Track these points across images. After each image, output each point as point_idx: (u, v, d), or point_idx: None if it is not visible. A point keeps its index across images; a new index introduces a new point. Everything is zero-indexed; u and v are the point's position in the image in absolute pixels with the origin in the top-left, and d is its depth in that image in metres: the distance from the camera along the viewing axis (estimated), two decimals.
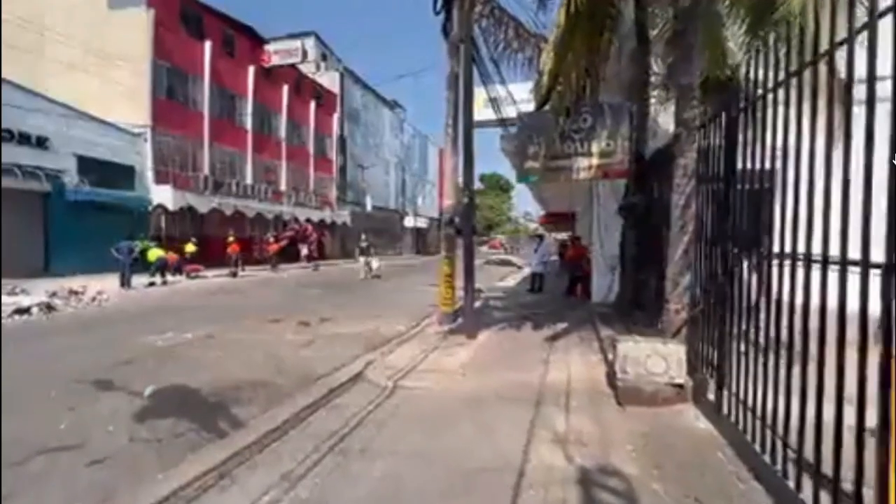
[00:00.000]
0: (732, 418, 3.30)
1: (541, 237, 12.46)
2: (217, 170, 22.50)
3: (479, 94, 21.56)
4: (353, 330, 7.51)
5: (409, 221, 44.95)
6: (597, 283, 8.82)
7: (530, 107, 22.60)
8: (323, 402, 4.19)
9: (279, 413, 3.85)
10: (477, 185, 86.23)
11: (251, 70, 24.40)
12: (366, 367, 5.24)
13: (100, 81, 17.44)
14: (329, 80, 33.22)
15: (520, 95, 21.90)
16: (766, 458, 2.77)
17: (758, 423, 2.93)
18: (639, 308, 7.02)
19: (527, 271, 21.27)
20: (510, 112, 22.58)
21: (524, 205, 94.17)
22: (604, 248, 7.89)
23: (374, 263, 17.54)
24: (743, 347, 3.19)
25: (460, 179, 7.30)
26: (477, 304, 10.07)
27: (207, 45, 21.53)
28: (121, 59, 17.47)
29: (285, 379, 5.05)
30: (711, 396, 3.81)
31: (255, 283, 15.42)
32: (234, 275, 17.31)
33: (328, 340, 6.81)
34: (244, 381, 4.88)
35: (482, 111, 21.29)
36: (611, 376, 4.34)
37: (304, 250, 23.71)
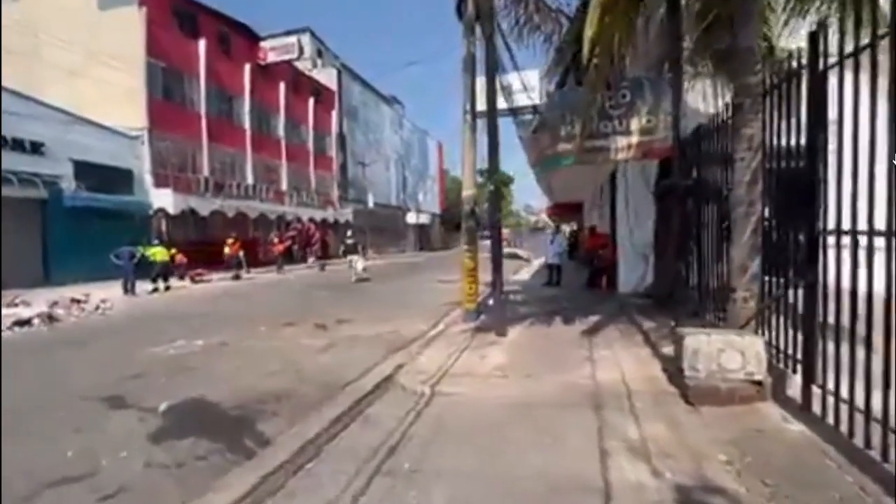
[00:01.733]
0: (829, 419, 2.89)
1: (557, 228, 12.00)
2: (217, 171, 22.05)
3: (482, 84, 20.92)
4: (372, 331, 7.11)
5: (411, 218, 44.51)
6: (625, 273, 8.39)
7: (534, 97, 21.73)
8: (354, 412, 3.79)
9: (308, 427, 3.45)
10: (477, 178, 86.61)
11: (247, 68, 23.89)
12: (395, 371, 4.83)
13: (94, 84, 16.94)
14: (326, 76, 32.68)
15: (528, 83, 21.38)
16: (890, 467, 2.36)
17: (872, 426, 2.53)
18: (676, 297, 6.61)
19: (536, 265, 20.84)
20: (519, 102, 22.08)
21: (524, 198, 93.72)
22: (633, 236, 7.46)
23: (360, 264, 14.84)
24: (829, 339, 2.78)
25: (472, 169, 6.89)
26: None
27: (202, 43, 21.01)
28: (115, 60, 16.96)
29: (309, 387, 4.65)
30: (791, 393, 3.41)
31: (262, 286, 15.01)
32: (238, 277, 16.89)
33: (348, 343, 6.40)
34: (265, 391, 4.48)
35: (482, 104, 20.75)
36: (672, 373, 3.94)
37: (310, 254, 23.30)
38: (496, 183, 5.87)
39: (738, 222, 3.82)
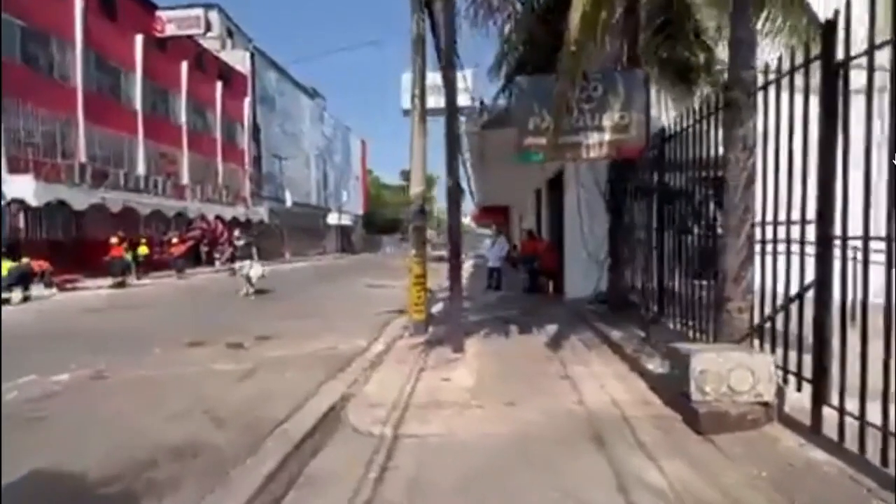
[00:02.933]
0: (848, 442, 2.63)
1: (499, 231, 11.69)
2: (98, 158, 18.56)
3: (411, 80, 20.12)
4: (303, 350, 5.98)
5: (332, 219, 42.24)
6: (574, 279, 8.20)
7: (465, 97, 21.39)
8: (289, 472, 2.82)
9: (225, 501, 2.45)
10: (398, 180, 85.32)
11: (139, 39, 20.53)
12: (339, 403, 3.90)
13: None
14: (238, 60, 29.58)
15: (461, 84, 21.06)
16: None
17: None
18: (632, 304, 6.47)
19: (468, 267, 20.63)
20: (437, 101, 21.63)
21: (445, 200, 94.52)
22: (585, 239, 7.24)
23: (256, 271, 11.34)
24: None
25: (421, 162, 6.16)
26: (437, 307, 8.98)
27: (78, 2, 17.52)
28: None
29: (225, 434, 3.52)
30: (791, 411, 3.16)
31: (158, 295, 12.67)
32: (122, 284, 14.18)
33: (274, 367, 5.23)
34: (162, 444, 3.27)
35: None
36: (668, 395, 3.54)
37: (218, 256, 20.63)
38: (455, 179, 5.17)
39: (731, 230, 3.53)
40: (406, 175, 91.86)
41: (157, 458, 3.10)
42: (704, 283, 4.35)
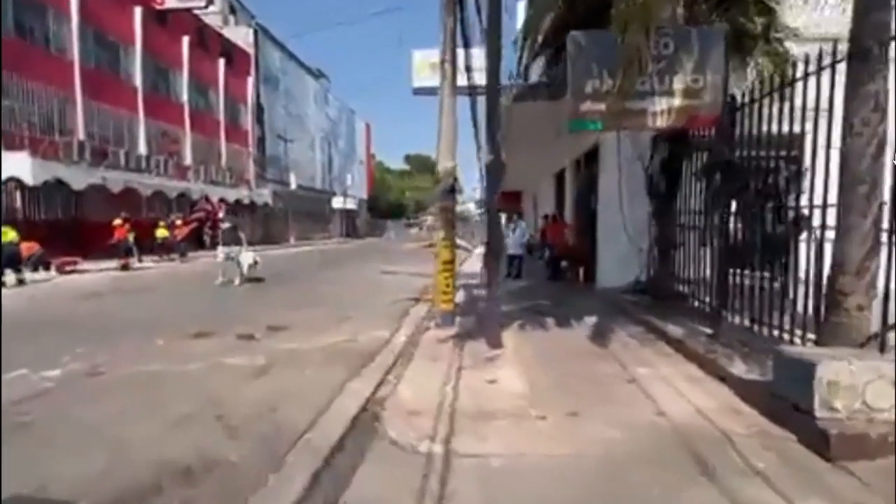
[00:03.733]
0: None
1: (519, 215, 11.02)
2: (98, 136, 17.89)
3: (426, 58, 19.27)
4: (318, 342, 5.42)
5: (337, 202, 41.56)
6: (607, 266, 7.58)
7: (478, 76, 20.74)
8: (327, 498, 2.28)
9: None
10: (402, 165, 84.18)
11: (138, 12, 19.64)
12: (369, 408, 3.35)
13: None
14: (241, 37, 28.57)
15: (466, 62, 20.12)
16: None
17: None
18: (679, 296, 5.87)
19: (479, 254, 19.99)
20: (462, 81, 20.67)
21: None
22: (626, 222, 6.60)
23: (247, 258, 10.14)
24: None
25: (452, 132, 5.50)
26: (458, 296, 8.42)
27: None
28: None
29: (240, 445, 2.97)
30: None
31: (161, 279, 12.15)
32: (126, 267, 13.69)
33: (290, 362, 4.68)
34: (166, 460, 2.73)
35: (427, 78, 19.17)
36: (759, 403, 2.97)
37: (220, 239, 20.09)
38: (497, 151, 4.51)
39: (853, 209, 2.90)
40: (409, 159, 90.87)
41: (159, 478, 2.55)
42: (769, 275, 3.76)
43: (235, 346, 5.20)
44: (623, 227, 6.62)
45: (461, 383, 3.78)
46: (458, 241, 30.70)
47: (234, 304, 8.11)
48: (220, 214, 22.68)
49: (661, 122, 4.19)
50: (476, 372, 4.07)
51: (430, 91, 20.89)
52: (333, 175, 42.48)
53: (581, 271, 8.15)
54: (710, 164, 4.45)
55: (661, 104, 4.11)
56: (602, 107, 4.12)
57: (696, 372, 3.84)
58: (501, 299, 7.84)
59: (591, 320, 5.82)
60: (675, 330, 4.64)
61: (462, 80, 20.44)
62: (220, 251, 10.77)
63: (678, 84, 4.07)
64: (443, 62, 5.66)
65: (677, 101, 4.09)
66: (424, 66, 19.89)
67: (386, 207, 62.90)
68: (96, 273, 12.96)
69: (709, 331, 4.42)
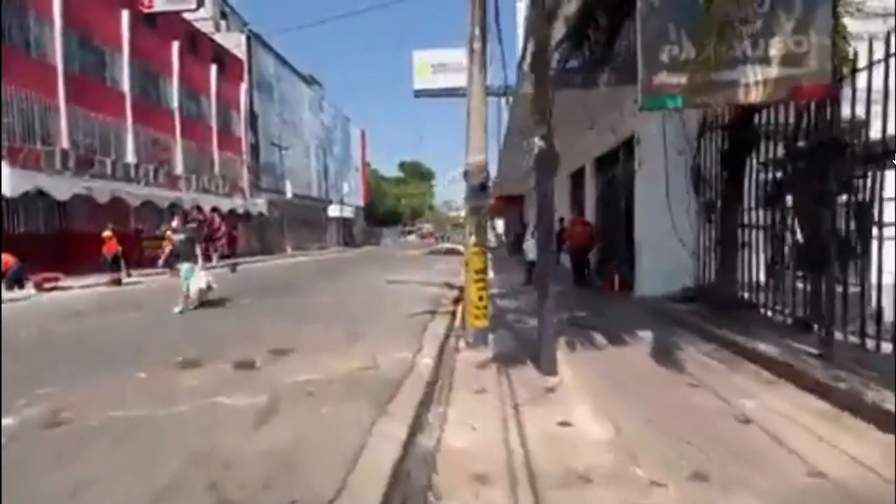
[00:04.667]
0: None
1: (521, 221, 10.22)
2: (83, 144, 16.97)
3: (427, 59, 18.69)
4: (333, 369, 4.57)
5: (333, 211, 40.66)
6: (648, 270, 6.81)
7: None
8: None
9: None
10: (396, 172, 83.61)
11: (125, 16, 18.83)
12: (411, 462, 2.53)
13: None
14: (233, 43, 27.82)
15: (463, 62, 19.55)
16: None
17: None
18: (745, 305, 5.09)
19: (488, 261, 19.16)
20: (449, 81, 19.99)
21: (443, 194, 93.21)
22: (674, 220, 5.85)
23: (199, 280, 8.05)
24: None
25: (482, 121, 4.72)
26: None
27: None
28: None
29: None
30: None
31: (149, 295, 11.20)
32: (118, 282, 12.74)
33: (300, 398, 3.82)
34: None
35: (429, 80, 18.53)
36: None
37: (214, 251, 19.17)
38: (548, 135, 3.73)
39: None
40: (404, 166, 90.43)
41: None
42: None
43: (233, 379, 4.33)
44: (672, 227, 5.86)
45: (526, 428, 2.95)
46: (458, 247, 29.91)
47: (229, 322, 7.23)
48: (219, 225, 21.77)
49: (757, 96, 3.44)
50: (539, 409, 3.25)
51: (432, 93, 20.31)
52: (329, 183, 41.64)
53: (616, 277, 7.36)
54: (813, 147, 3.67)
55: (754, 73, 3.36)
56: (682, 79, 3.36)
57: (821, 406, 3.04)
58: (532, 311, 7.07)
59: (646, 335, 5.02)
60: (768, 349, 3.85)
61: (461, 81, 19.65)
62: (182, 268, 8.15)
63: (775, 49, 3.33)
64: (470, 41, 4.89)
65: (775, 70, 3.34)
66: (425, 67, 19.31)
67: (382, 215, 62.12)
68: (80, 290, 12.00)
69: (812, 350, 3.63)
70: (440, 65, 18.56)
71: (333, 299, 9.50)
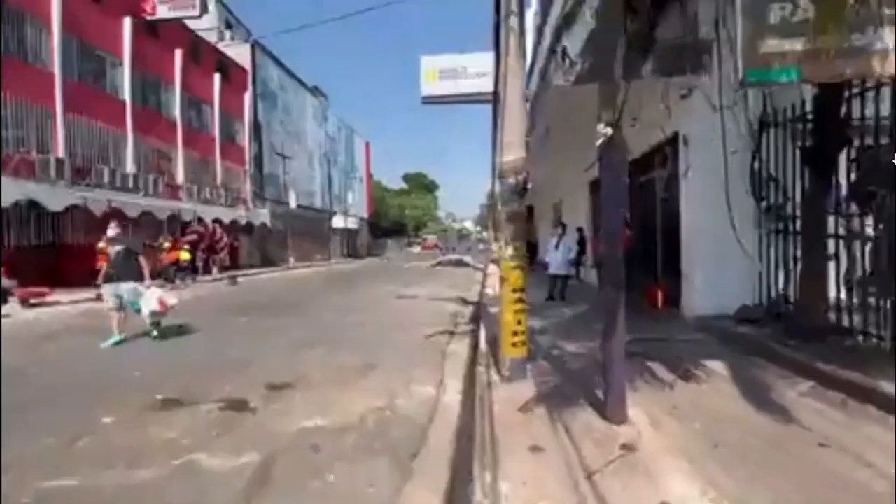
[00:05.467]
0: None
1: (563, 226, 9.39)
2: (80, 154, 16.40)
3: (435, 64, 18.03)
4: (342, 411, 3.74)
5: (338, 222, 40.01)
6: (698, 286, 5.96)
7: (488, 82, 19.23)
8: None
9: None
10: (400, 184, 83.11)
11: (127, 23, 18.41)
12: None
13: None
14: (237, 53, 27.47)
15: (476, 68, 18.94)
16: None
17: None
18: (839, 331, 4.23)
19: (493, 272, 18.26)
20: (458, 87, 19.35)
21: (447, 205, 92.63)
22: (737, 224, 5.03)
23: (150, 303, 6.45)
24: None
25: (521, 109, 3.95)
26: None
27: None
28: None
29: None
30: None
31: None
32: None
33: (302, 456, 2.98)
34: None
35: (436, 83, 17.88)
36: None
37: (215, 263, 18.47)
38: (617, 120, 2.94)
39: None
40: (408, 178, 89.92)
41: None
42: None
43: (219, 423, 3.50)
44: (726, 236, 5.02)
45: None
46: (465, 258, 29.04)
47: (222, 347, 6.40)
48: (221, 236, 21.10)
49: (892, 68, 2.64)
50: (623, 481, 2.39)
51: (441, 100, 19.69)
52: (333, 194, 41.09)
53: (659, 293, 6.51)
54: None
55: (888, 40, 2.58)
56: (797, 45, 2.58)
57: None
58: (563, 332, 6.21)
59: (722, 368, 4.16)
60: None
61: (469, 87, 19.01)
62: (106, 291, 6.41)
63: None
64: (507, 17, 4.14)
65: None
66: (434, 73, 18.71)
67: (386, 227, 61.53)
68: (68, 305, 11.24)
69: None
70: (449, 70, 17.94)
71: (340, 317, 8.66)
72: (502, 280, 4.22)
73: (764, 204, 5.42)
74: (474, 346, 6.06)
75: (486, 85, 19.52)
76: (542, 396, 3.72)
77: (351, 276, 20.95)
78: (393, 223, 66.62)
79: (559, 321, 7.05)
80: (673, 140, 6.52)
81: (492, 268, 22.04)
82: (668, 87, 5.46)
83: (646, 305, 6.76)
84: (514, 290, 4.12)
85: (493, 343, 5.73)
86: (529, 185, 4.09)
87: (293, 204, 31.49)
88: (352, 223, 42.60)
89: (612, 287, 3.09)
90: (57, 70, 15.54)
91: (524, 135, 4.15)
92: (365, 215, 50.44)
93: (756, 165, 5.41)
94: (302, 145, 34.89)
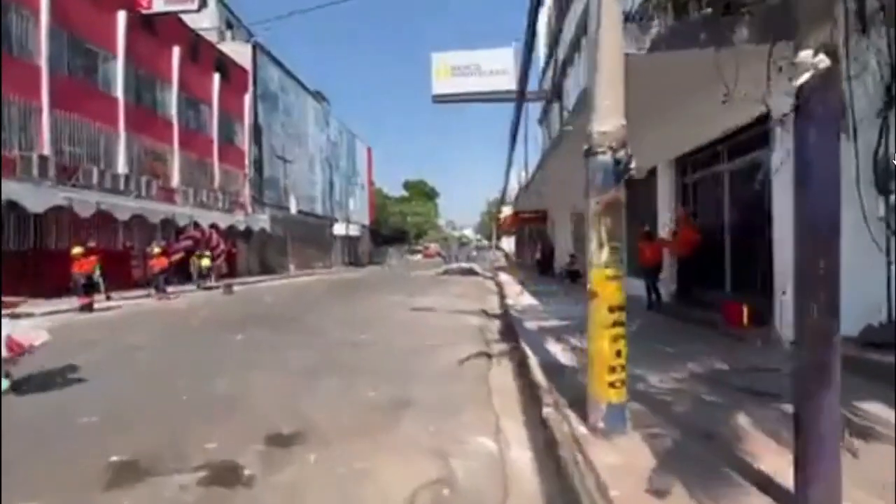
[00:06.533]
0: None
1: (647, 229, 8.14)
2: (69, 152, 15.31)
3: (447, 61, 17.01)
4: (378, 492, 2.56)
5: (339, 229, 38.89)
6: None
7: (504, 80, 18.23)
8: None
9: None
10: (401, 191, 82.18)
11: (121, 17, 17.43)
12: None
13: None
14: (238, 53, 26.54)
15: (490, 66, 17.96)
16: None
17: None
18: None
19: (507, 281, 17.13)
20: (470, 85, 18.39)
21: (447, 213, 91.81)
22: (867, 213, 3.93)
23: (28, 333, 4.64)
24: None
25: (618, 56, 2.85)
26: (547, 350, 5.66)
27: None
28: None
29: None
30: None
31: (118, 327, 9.14)
32: (89, 308, 10.79)
33: None
34: None
35: (448, 80, 16.87)
36: None
37: (211, 271, 17.32)
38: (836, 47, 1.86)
39: None
40: (409, 185, 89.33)
41: None
42: None
43: None
44: (845, 239, 3.90)
45: None
46: (474, 266, 27.71)
47: (210, 368, 5.23)
48: (217, 241, 19.94)
49: None
50: None
51: (453, 98, 18.72)
52: (335, 200, 40.02)
53: (745, 310, 5.36)
54: None
55: None
56: None
57: None
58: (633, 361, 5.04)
59: (883, 412, 3.01)
60: None
61: (483, 85, 17.77)
62: None
63: None
64: None
65: None
66: (446, 70, 17.72)
67: (386, 234, 60.44)
68: (42, 317, 10.05)
69: None
70: (462, 67, 16.96)
71: (351, 334, 7.47)
72: (592, 294, 3.08)
73: (894, 198, 4.32)
74: (523, 374, 4.92)
75: (503, 83, 18.63)
76: (669, 464, 2.57)
77: (355, 286, 19.76)
78: (394, 230, 65.51)
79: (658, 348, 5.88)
80: (759, 121, 5.43)
81: (503, 276, 20.92)
82: (758, 56, 4.38)
83: (723, 323, 5.61)
84: (611, 309, 2.98)
85: (552, 371, 4.58)
86: (633, 166, 2.97)
87: (294, 209, 30.41)
88: (353, 230, 41.47)
89: (823, 314, 1.96)
90: (44, 63, 14.49)
91: (622, 99, 3.04)
92: (366, 222, 49.35)
93: (884, 149, 4.31)
94: (303, 149, 33.89)
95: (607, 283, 3.02)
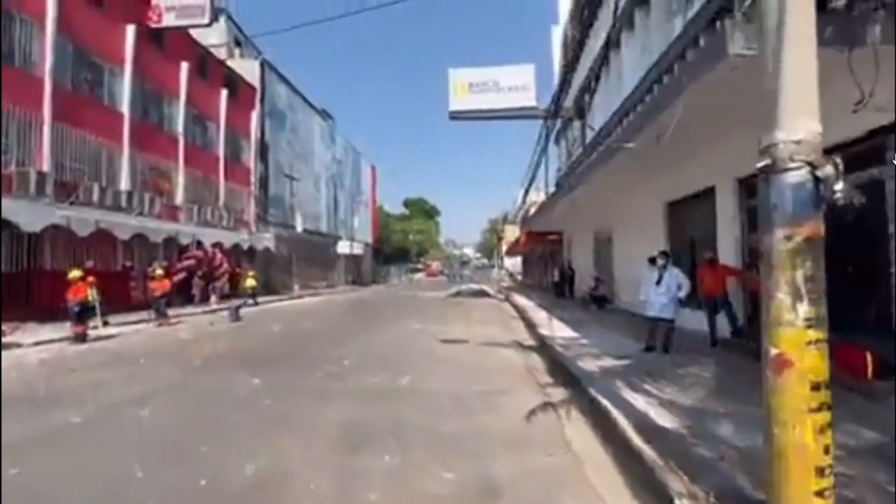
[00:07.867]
0: None
1: (666, 255, 7.40)
2: (68, 167, 14.58)
3: (464, 77, 16.45)
4: None
5: (342, 247, 38.04)
6: None
7: (523, 97, 17.62)
8: None
9: None
10: (401, 209, 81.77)
11: (130, 30, 16.96)
12: None
13: None
14: (246, 70, 26.19)
15: (509, 82, 17.45)
16: None
17: None
18: None
19: (524, 303, 16.20)
20: (488, 102, 17.89)
21: (447, 231, 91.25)
22: None
23: None
24: None
25: None
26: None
27: None
28: None
29: None
30: None
31: (112, 366, 8.11)
32: (82, 338, 9.82)
33: None
34: None
35: (465, 97, 16.32)
36: None
37: (214, 292, 16.40)
38: None
39: None
40: (409, 203, 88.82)
41: None
42: None
43: None
44: None
45: None
46: (485, 287, 26.65)
47: (225, 441, 4.31)
48: (221, 261, 19.10)
49: None
50: None
51: (470, 115, 18.19)
52: (339, 218, 39.32)
53: (869, 357, 4.49)
54: None
55: None
56: None
57: None
58: (720, 420, 4.15)
59: None
60: None
61: (501, 102, 17.04)
62: None
63: None
64: None
65: None
66: (463, 87, 17.20)
67: (388, 253, 59.63)
68: (32, 347, 9.10)
69: None
70: (480, 84, 16.44)
71: (386, 376, 6.49)
72: (779, 363, 2.22)
73: None
74: (610, 437, 4.02)
75: (523, 99, 18.17)
76: None
77: (365, 308, 18.80)
78: (395, 249, 64.68)
79: (706, 394, 5.00)
80: (872, 134, 4.68)
81: (519, 299, 20.01)
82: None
83: (844, 374, 4.73)
84: (815, 387, 2.13)
85: (653, 437, 3.69)
86: (842, 188, 2.16)
87: (300, 228, 29.64)
88: (357, 249, 40.64)
89: None
90: (47, 75, 13.88)
91: (816, 97, 2.26)
92: (370, 241, 48.57)
93: None
94: (309, 167, 33.34)
95: (807, 350, 2.17)
